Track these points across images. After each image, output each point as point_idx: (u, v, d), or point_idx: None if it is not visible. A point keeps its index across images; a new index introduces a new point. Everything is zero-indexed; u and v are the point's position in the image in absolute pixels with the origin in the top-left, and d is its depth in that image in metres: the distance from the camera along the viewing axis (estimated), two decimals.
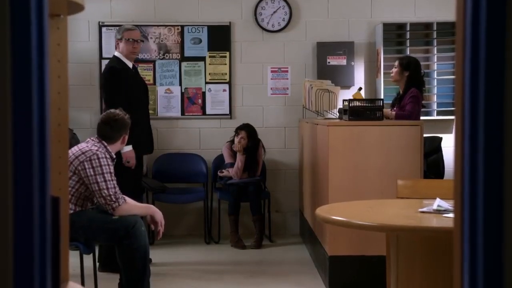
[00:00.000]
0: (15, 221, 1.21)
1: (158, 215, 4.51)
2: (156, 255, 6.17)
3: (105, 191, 4.26)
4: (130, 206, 4.40)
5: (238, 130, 6.66)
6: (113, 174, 4.34)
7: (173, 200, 6.86)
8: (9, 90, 1.20)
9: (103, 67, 6.94)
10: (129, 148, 5.35)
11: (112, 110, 4.69)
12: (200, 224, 6.99)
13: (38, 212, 1.24)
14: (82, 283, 4.38)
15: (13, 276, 1.21)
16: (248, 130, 6.67)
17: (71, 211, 4.20)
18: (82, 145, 4.45)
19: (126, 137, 4.61)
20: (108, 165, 4.34)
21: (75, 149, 4.38)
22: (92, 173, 4.28)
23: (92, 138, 4.54)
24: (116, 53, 5.69)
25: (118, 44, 5.66)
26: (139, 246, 4.30)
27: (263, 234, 6.58)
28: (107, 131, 4.53)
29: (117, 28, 5.88)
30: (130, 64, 5.66)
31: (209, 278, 5.43)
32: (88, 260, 4.51)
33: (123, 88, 5.49)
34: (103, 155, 4.34)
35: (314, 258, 5.79)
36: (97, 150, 4.35)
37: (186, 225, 7.15)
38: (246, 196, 6.56)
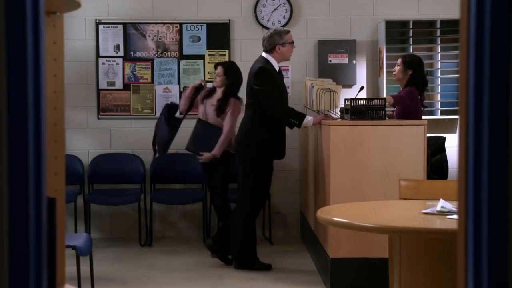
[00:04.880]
0: (10, 223, 1.22)
1: None
2: (154, 257, 6.11)
3: None
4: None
5: (216, 66, 6.31)
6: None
7: (171, 201, 6.81)
8: (4, 89, 1.21)
9: (100, 65, 6.94)
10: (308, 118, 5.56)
11: None
12: (199, 225, 6.92)
13: (34, 214, 1.25)
14: (79, 286, 4.35)
15: (8, 279, 1.21)
16: (225, 66, 6.22)
17: None
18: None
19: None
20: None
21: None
22: None
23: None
24: (266, 55, 5.63)
25: (278, 49, 5.59)
26: None
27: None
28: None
29: (272, 32, 5.66)
30: (277, 67, 5.67)
31: (208, 281, 5.38)
32: (85, 262, 4.44)
33: (277, 87, 5.58)
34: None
35: (316, 260, 5.73)
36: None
37: (184, 226, 7.08)
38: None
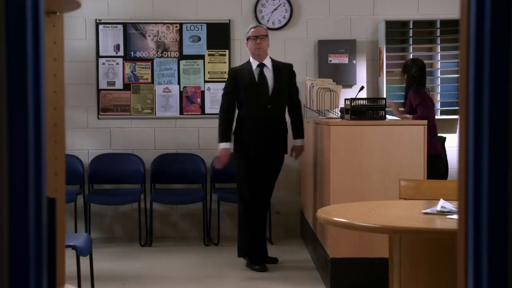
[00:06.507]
0: (10, 223, 1.21)
1: None
2: (154, 257, 6.11)
3: None
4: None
5: None
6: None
7: (171, 201, 6.80)
8: (4, 89, 1.20)
9: (100, 66, 6.93)
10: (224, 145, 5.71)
11: None
12: (199, 225, 6.91)
13: (34, 214, 1.25)
14: (79, 286, 4.34)
15: (8, 279, 1.21)
16: None
17: None
18: None
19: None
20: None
21: None
22: None
23: None
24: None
25: (246, 44, 5.84)
26: None
27: None
28: None
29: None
30: (255, 64, 5.73)
31: (208, 281, 5.37)
32: (85, 262, 4.45)
33: (234, 88, 5.67)
34: None
35: (316, 260, 5.72)
36: None
37: (184, 226, 7.08)
38: None
